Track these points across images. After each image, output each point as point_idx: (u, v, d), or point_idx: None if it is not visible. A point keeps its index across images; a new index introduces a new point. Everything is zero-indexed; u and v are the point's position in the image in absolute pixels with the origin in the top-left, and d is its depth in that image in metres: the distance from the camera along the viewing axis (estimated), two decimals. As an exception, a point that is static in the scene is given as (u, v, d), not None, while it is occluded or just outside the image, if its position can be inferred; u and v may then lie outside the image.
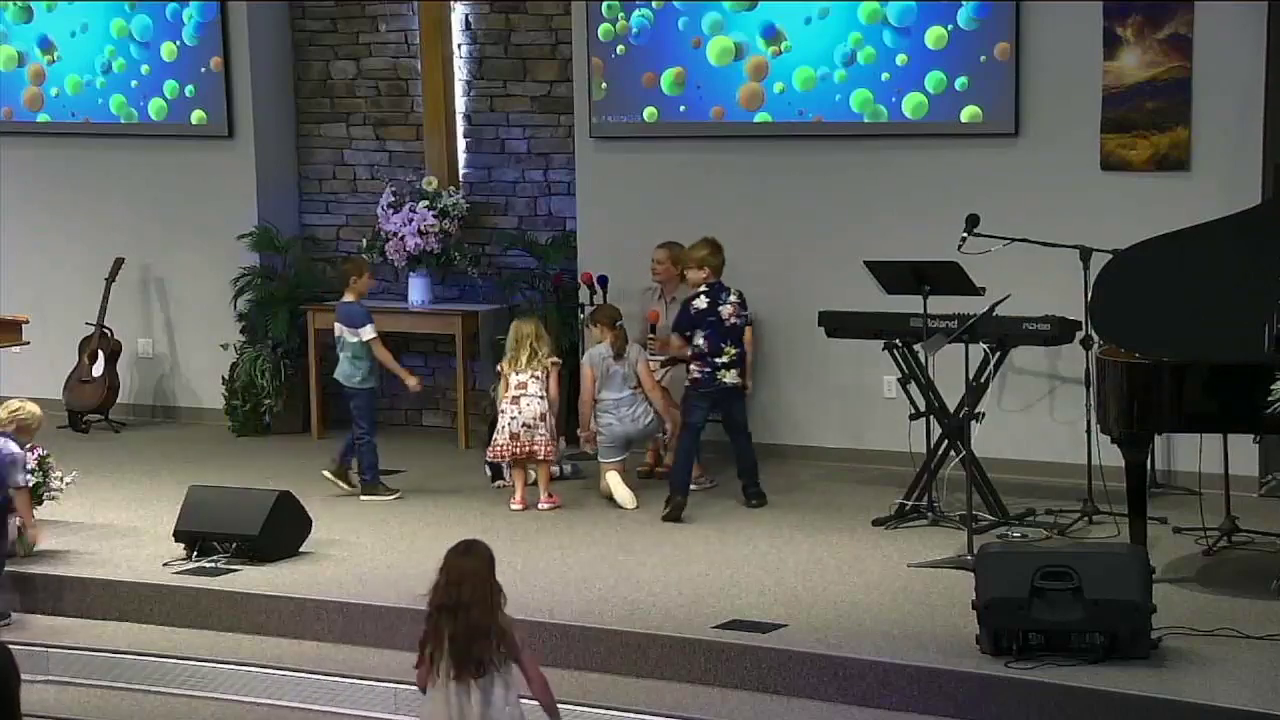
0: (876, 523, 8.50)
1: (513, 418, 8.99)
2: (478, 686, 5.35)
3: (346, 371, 9.32)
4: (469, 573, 5.45)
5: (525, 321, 9.26)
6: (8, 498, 7.67)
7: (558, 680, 6.79)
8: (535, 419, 8.96)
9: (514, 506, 8.91)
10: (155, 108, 11.36)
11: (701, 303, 8.90)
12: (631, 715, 6.55)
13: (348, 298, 9.39)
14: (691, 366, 8.93)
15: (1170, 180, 9.01)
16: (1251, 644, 6.55)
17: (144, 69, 11.35)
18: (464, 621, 5.35)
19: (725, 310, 8.87)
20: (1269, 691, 6.09)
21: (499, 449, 9.02)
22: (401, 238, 10.61)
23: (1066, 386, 9.24)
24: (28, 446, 7.96)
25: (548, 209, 10.86)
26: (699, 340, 8.88)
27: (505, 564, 7.90)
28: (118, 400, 11.33)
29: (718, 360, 8.84)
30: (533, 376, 9.04)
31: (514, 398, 9.00)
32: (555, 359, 9.16)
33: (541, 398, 8.99)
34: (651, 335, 9.69)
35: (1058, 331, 8.51)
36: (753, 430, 9.20)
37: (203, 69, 11.18)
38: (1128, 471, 7.28)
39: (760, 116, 9.89)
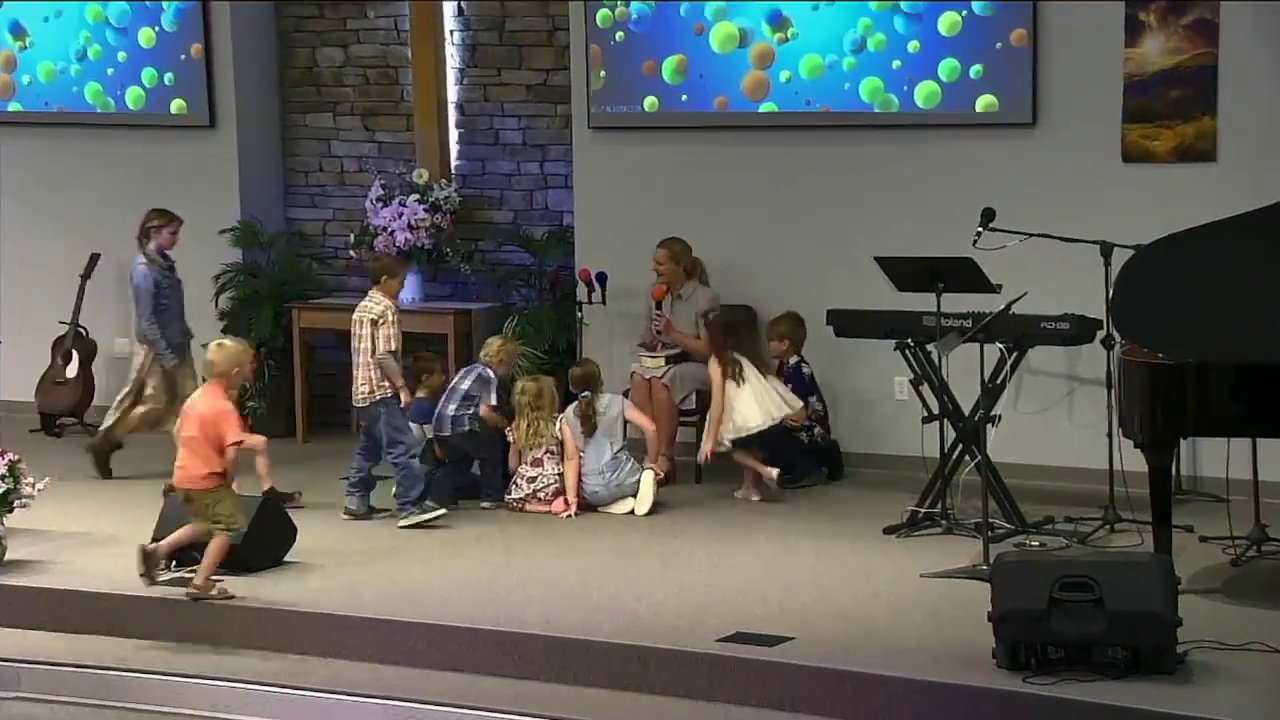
0: (888, 531, 8.50)
1: (530, 479, 9.09)
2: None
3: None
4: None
5: (528, 382, 9.24)
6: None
7: (553, 694, 6.82)
8: (550, 494, 9.06)
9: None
10: (133, 96, 11.35)
11: (808, 368, 9.48)
12: (631, 733, 6.54)
13: (420, 394, 9.43)
14: (816, 430, 9.47)
15: (1195, 172, 9.00)
16: (1281, 658, 6.54)
17: (121, 56, 11.33)
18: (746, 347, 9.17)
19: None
20: (1299, 708, 6.08)
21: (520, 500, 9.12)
22: (391, 233, 10.60)
23: (1087, 388, 9.23)
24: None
25: (544, 203, 10.85)
26: (816, 404, 9.47)
27: (499, 571, 7.95)
28: (93, 403, 11.31)
29: (828, 420, 9.55)
30: (547, 453, 9.09)
31: (532, 473, 9.11)
32: (560, 419, 9.10)
33: (558, 475, 9.06)
34: (658, 312, 9.68)
35: (1077, 331, 8.50)
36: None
37: (183, 56, 11.16)
38: (1151, 477, 7.26)
39: (766, 106, 9.88)
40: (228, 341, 8.01)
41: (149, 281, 9.71)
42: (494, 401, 9.18)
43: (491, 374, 9.23)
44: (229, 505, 7.70)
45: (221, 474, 7.65)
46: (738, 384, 9.04)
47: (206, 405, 7.73)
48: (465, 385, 9.21)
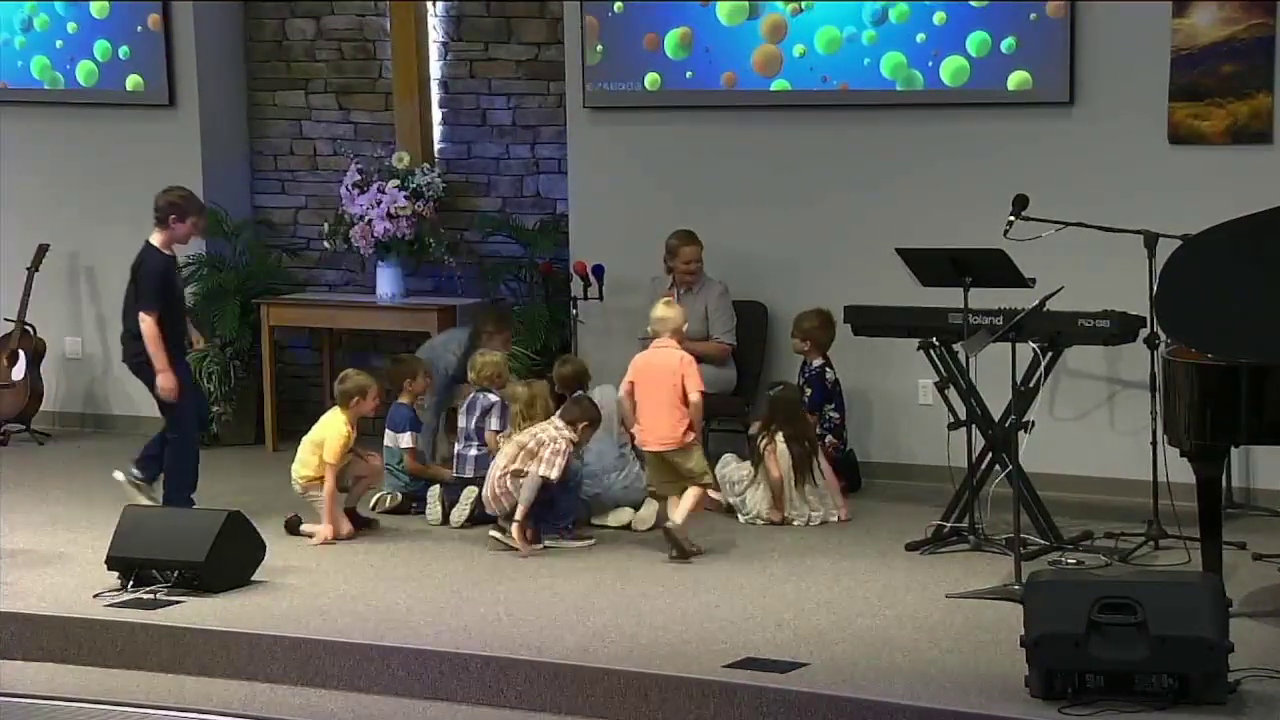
0: (910, 547, 8.52)
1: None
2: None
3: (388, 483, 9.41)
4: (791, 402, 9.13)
5: (519, 387, 9.19)
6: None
7: (547, 728, 6.85)
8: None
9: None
10: (84, 72, 11.36)
11: (831, 374, 9.43)
12: (631, 768, 6.56)
13: (401, 399, 9.50)
14: (828, 439, 9.40)
15: (1249, 154, 9.02)
16: (1341, 687, 6.56)
17: (70, 27, 11.34)
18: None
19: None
20: (1361, 741, 6.09)
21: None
22: (368, 222, 10.62)
23: (1129, 392, 9.25)
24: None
25: (535, 189, 10.87)
26: (833, 413, 9.43)
27: (487, 593, 7.97)
28: (41, 407, 11.35)
29: (845, 432, 9.54)
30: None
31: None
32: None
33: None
34: None
35: (1118, 329, 8.51)
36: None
37: (139, 27, 11.17)
38: (1200, 489, 7.28)
39: (778, 84, 9.90)
40: (672, 300, 9.01)
41: None
42: (496, 426, 9.12)
43: (494, 397, 9.20)
44: (699, 460, 8.57)
45: (691, 428, 8.49)
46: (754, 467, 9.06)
47: (671, 358, 8.57)
48: (473, 423, 9.20)
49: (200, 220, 9.27)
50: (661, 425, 8.56)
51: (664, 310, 8.73)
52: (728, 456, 9.30)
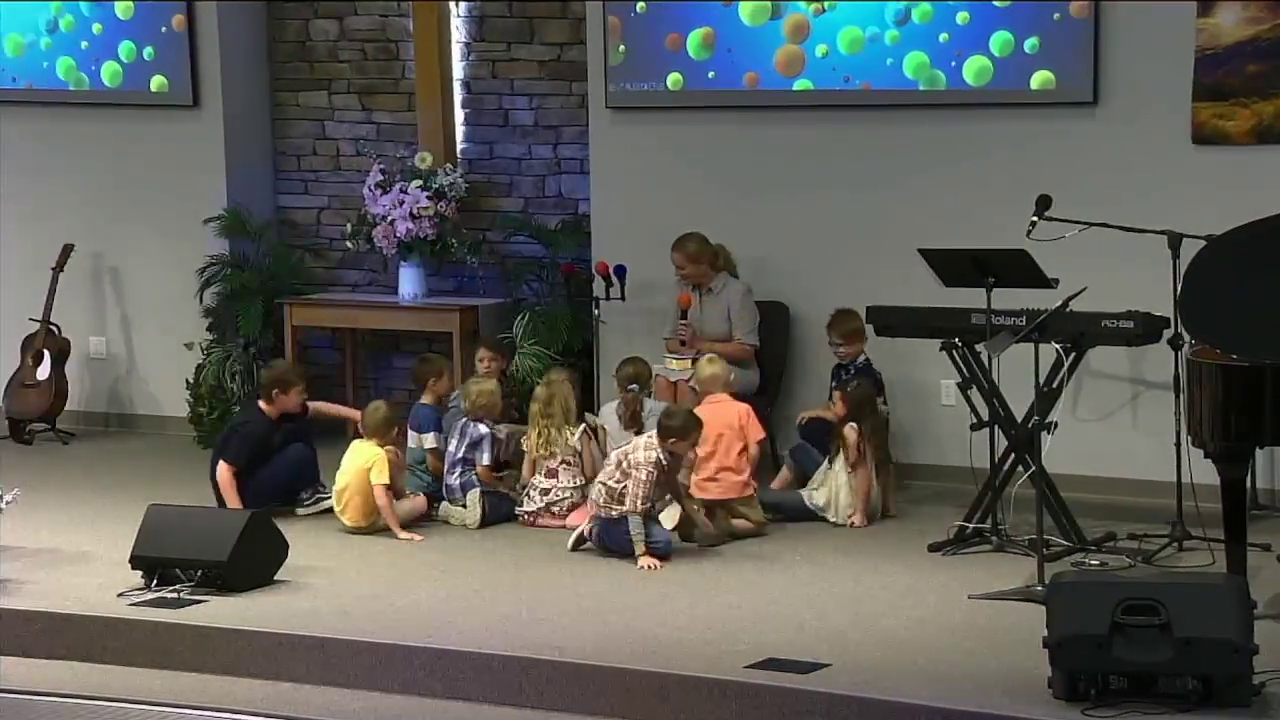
0: (933, 548, 8.49)
1: (544, 492, 9.05)
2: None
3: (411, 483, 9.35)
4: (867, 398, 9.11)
5: (540, 388, 9.23)
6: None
7: (568, 728, 6.83)
8: (565, 509, 9.03)
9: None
10: (109, 73, 11.38)
11: (875, 368, 9.38)
12: (652, 768, 6.55)
13: (425, 399, 9.50)
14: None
15: (1274, 155, 8.98)
16: (1367, 689, 6.52)
17: (95, 28, 11.36)
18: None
19: None
20: (1387, 743, 6.06)
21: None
22: (391, 222, 10.62)
23: (1152, 393, 9.22)
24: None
25: (557, 189, 10.86)
26: (883, 406, 9.31)
27: (508, 592, 7.96)
28: (66, 407, 11.35)
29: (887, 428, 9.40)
30: (563, 464, 9.04)
31: (545, 485, 9.07)
32: (579, 430, 9.10)
33: (574, 488, 9.03)
34: (683, 321, 9.66)
35: (1142, 329, 8.49)
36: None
37: (163, 28, 11.19)
38: (1224, 490, 7.25)
39: (800, 84, 9.88)
40: (715, 358, 9.19)
41: None
42: (486, 460, 9.09)
43: (484, 429, 9.14)
44: (759, 511, 8.84)
45: (753, 475, 8.86)
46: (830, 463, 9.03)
47: (730, 411, 8.88)
48: (460, 451, 9.14)
49: (303, 389, 9.50)
50: (725, 476, 8.76)
51: (709, 368, 9.06)
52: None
